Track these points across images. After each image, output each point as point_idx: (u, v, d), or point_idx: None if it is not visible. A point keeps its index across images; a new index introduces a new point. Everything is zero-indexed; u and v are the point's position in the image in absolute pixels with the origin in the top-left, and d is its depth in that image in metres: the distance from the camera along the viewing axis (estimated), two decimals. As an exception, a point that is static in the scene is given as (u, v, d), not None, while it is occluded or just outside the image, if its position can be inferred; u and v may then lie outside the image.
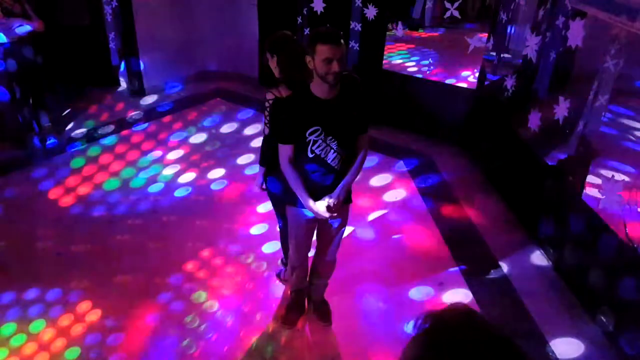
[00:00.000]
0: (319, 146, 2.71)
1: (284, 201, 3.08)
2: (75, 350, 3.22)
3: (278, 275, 3.87)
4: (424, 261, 4.10)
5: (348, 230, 3.12)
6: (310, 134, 2.67)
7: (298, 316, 3.50)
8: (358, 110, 2.74)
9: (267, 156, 3.14)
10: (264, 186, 3.37)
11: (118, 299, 3.62)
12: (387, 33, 6.25)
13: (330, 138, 2.69)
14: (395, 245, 4.29)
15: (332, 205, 2.81)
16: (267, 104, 2.97)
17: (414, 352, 1.07)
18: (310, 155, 2.73)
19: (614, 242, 3.46)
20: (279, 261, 3.92)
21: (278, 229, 3.69)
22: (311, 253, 3.33)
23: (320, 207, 2.81)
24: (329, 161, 2.75)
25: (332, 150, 2.72)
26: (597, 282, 3.56)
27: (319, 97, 2.64)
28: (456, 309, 1.10)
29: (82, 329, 3.37)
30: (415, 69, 7.25)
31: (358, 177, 2.96)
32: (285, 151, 2.76)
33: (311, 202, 2.81)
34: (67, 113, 6.32)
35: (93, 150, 5.59)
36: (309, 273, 3.45)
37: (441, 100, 5.92)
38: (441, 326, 1.06)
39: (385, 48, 6.24)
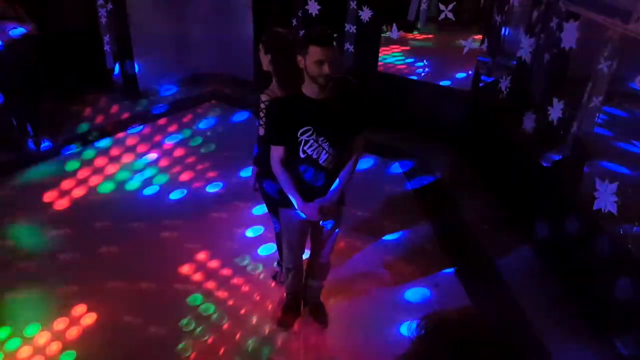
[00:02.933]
0: (310, 146, 2.69)
1: (277, 203, 3.07)
2: (71, 354, 3.21)
3: (274, 277, 3.87)
4: (420, 262, 4.10)
5: (343, 231, 3.11)
6: (302, 134, 2.66)
7: (294, 318, 3.50)
8: (353, 111, 2.72)
9: (261, 157, 3.12)
10: (257, 186, 3.38)
11: (113, 302, 3.62)
12: (382, 35, 6.27)
13: (322, 139, 2.67)
14: (390, 246, 4.29)
15: (324, 208, 2.82)
16: (262, 106, 2.93)
17: (416, 352, 1.07)
18: (302, 156, 2.72)
19: (609, 243, 3.47)
20: (275, 263, 3.91)
21: (274, 232, 3.69)
22: (306, 255, 3.33)
23: (312, 209, 2.82)
24: (320, 162, 2.73)
25: (324, 151, 2.71)
26: (593, 282, 3.57)
27: (311, 97, 2.63)
28: (460, 313, 1.10)
29: (78, 333, 3.36)
30: (410, 70, 7.26)
31: (352, 178, 2.93)
32: (276, 152, 2.75)
33: (302, 204, 2.81)
34: (61, 116, 6.29)
35: (88, 153, 5.57)
36: (304, 275, 3.45)
37: (436, 102, 5.93)
38: (444, 328, 1.06)
39: (380, 50, 6.25)
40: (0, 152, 5.42)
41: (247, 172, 5.03)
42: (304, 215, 2.88)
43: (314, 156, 2.71)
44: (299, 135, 2.66)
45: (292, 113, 2.66)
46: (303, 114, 2.65)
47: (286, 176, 2.77)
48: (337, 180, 2.83)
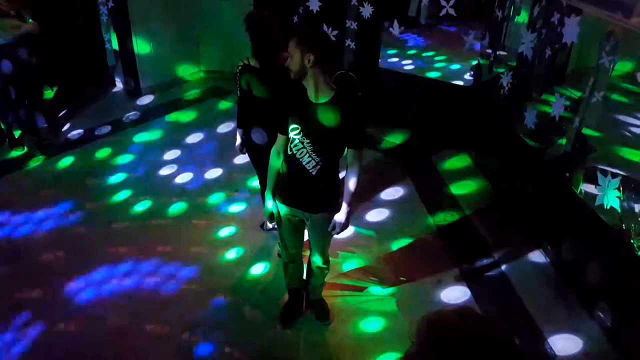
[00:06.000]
0: (296, 146, 2.69)
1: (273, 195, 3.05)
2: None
3: (261, 226, 4.31)
4: (422, 259, 4.10)
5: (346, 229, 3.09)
6: (291, 131, 2.68)
7: (296, 316, 3.51)
8: (348, 123, 2.63)
9: (242, 118, 3.67)
10: (244, 150, 3.83)
11: (118, 299, 3.62)
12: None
13: (308, 142, 2.66)
14: (392, 243, 4.28)
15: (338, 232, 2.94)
16: (237, 70, 3.47)
17: (419, 352, 1.07)
18: (289, 153, 2.75)
19: (611, 238, 3.47)
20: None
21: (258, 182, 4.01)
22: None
23: (266, 212, 3.03)
24: (304, 164, 2.72)
25: (308, 155, 2.69)
26: (595, 278, 3.56)
27: (308, 98, 2.63)
28: (461, 312, 1.10)
29: (81, 329, 3.37)
30: (411, 67, 7.25)
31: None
32: (278, 141, 2.82)
33: (267, 201, 2.98)
34: (63, 114, 6.30)
35: (89, 151, 5.57)
36: (304, 273, 3.45)
37: (438, 98, 5.92)
38: (446, 329, 1.06)
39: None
40: (2, 150, 5.45)
41: (250, 171, 5.07)
42: (288, 209, 2.95)
43: (297, 156, 2.71)
44: (289, 131, 2.68)
45: (289, 107, 2.69)
46: (297, 112, 2.66)
47: (272, 168, 2.90)
48: (344, 201, 2.87)
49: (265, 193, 3.01)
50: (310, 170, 2.74)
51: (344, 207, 2.87)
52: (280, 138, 2.80)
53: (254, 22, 3.40)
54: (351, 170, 2.82)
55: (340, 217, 2.88)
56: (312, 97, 2.61)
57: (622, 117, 5.13)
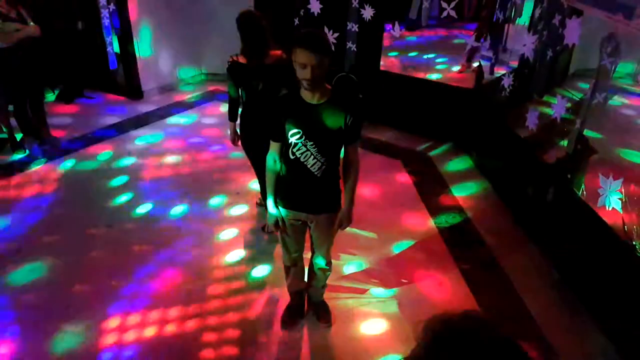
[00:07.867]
0: (299, 149, 2.67)
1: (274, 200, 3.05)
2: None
3: (263, 229, 4.32)
4: (424, 261, 4.10)
5: (347, 230, 3.09)
6: (292, 136, 2.65)
7: (298, 318, 3.50)
8: (347, 121, 2.62)
9: (234, 112, 3.92)
10: (238, 142, 4.03)
11: (120, 302, 3.62)
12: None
13: (311, 144, 2.64)
14: (394, 245, 4.28)
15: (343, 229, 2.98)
16: (226, 66, 3.64)
17: (419, 354, 1.06)
18: (291, 157, 2.71)
19: (613, 240, 3.47)
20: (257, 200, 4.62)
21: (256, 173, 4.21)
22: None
23: (271, 219, 2.98)
24: (309, 167, 2.71)
25: (312, 157, 2.67)
26: (597, 280, 3.56)
27: (305, 100, 2.61)
28: (465, 314, 1.09)
29: (81, 330, 3.37)
30: (412, 68, 7.26)
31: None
32: (272, 147, 2.80)
33: (271, 208, 2.94)
34: (64, 117, 6.31)
35: (91, 154, 5.58)
36: (306, 275, 3.44)
37: (439, 100, 5.93)
38: (450, 331, 1.05)
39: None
40: (4, 153, 5.46)
41: (251, 173, 5.07)
42: (290, 212, 2.93)
43: (302, 159, 2.70)
44: (289, 137, 2.66)
45: (286, 113, 2.65)
46: (295, 116, 2.63)
47: (272, 175, 2.85)
48: (347, 197, 2.87)
49: (267, 200, 2.97)
50: (316, 173, 2.73)
51: (347, 202, 2.89)
52: (274, 145, 2.77)
53: (244, 21, 3.55)
54: (351, 166, 2.83)
55: (345, 212, 2.90)
56: (310, 99, 2.60)
57: (623, 119, 5.14)
